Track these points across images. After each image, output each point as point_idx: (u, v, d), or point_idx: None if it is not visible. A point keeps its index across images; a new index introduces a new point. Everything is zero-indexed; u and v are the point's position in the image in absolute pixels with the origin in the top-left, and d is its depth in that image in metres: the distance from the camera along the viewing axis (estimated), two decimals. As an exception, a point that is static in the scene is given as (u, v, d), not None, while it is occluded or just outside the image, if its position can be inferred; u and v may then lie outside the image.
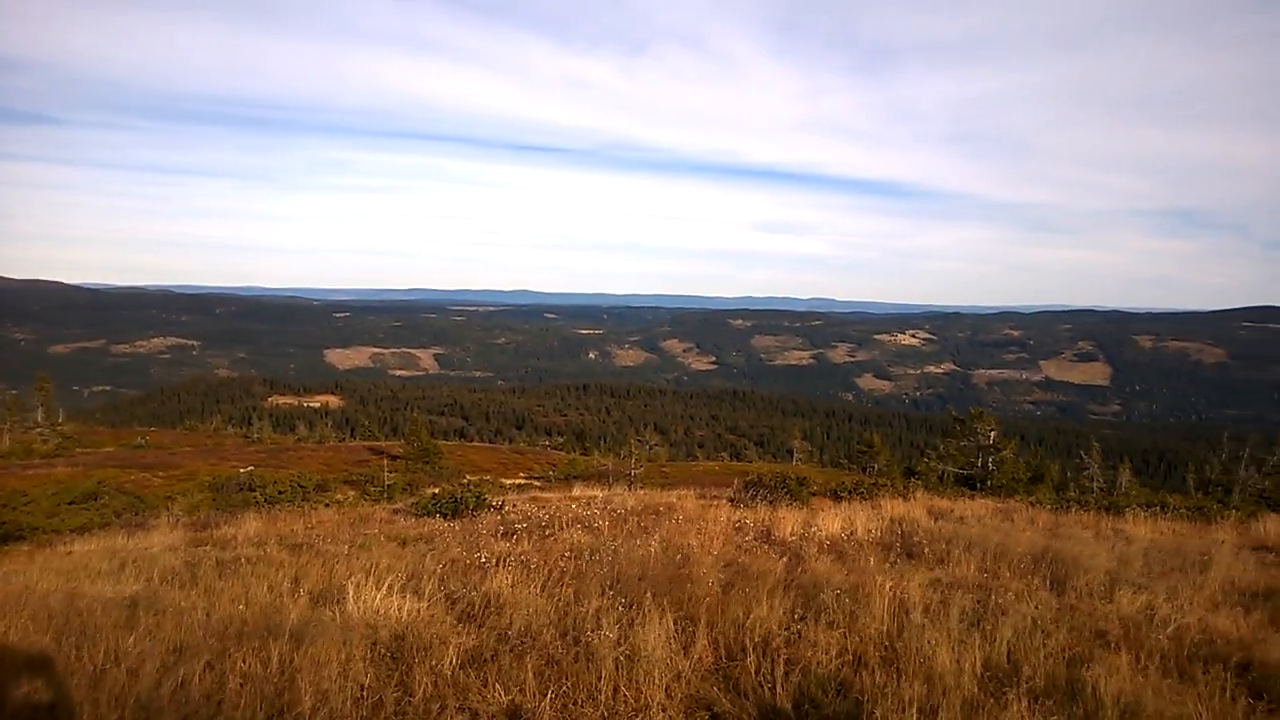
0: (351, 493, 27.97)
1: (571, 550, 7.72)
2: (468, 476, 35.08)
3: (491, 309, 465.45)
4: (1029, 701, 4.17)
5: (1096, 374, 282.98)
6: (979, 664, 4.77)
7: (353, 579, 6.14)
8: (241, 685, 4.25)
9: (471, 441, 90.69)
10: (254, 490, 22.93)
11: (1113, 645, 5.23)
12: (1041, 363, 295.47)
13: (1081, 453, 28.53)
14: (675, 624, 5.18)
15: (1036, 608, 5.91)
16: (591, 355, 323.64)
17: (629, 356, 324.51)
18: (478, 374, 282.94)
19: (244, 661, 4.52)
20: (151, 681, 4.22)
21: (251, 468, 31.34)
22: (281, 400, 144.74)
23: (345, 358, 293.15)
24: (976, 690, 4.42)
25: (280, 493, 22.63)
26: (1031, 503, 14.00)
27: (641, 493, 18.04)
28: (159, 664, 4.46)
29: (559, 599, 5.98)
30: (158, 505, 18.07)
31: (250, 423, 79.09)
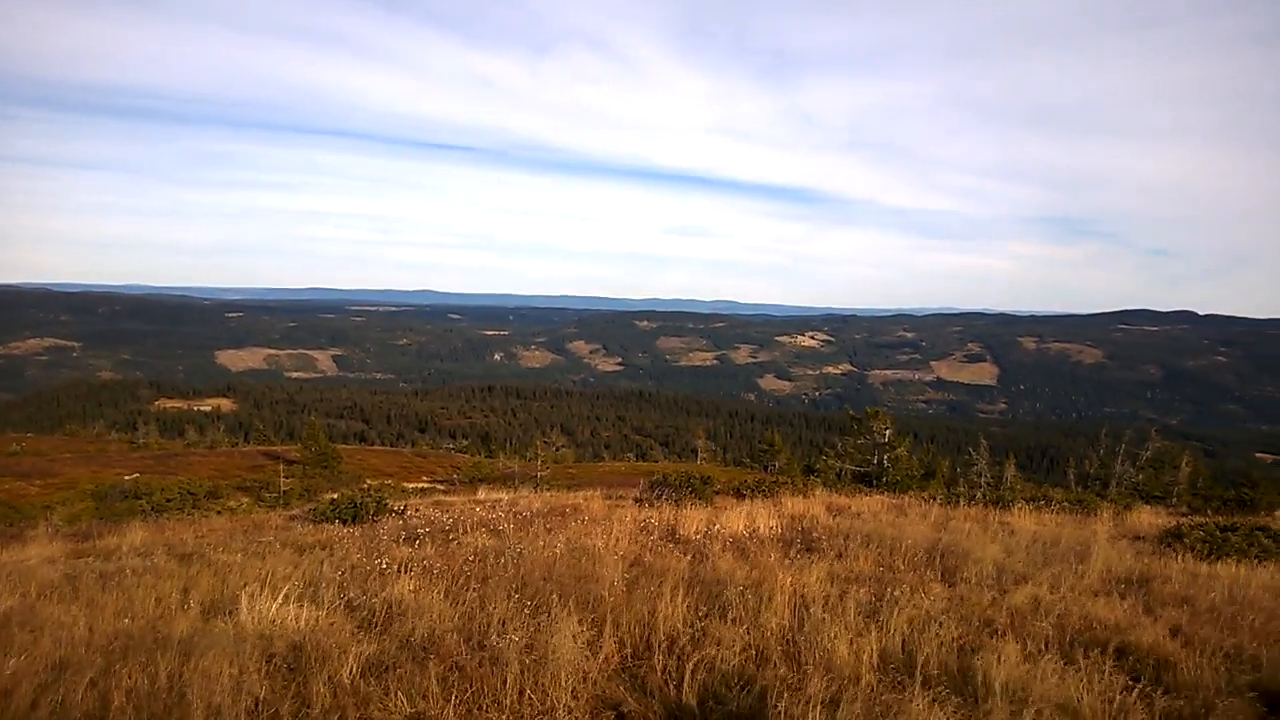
0: (245, 499, 27.01)
1: (476, 554, 7.62)
2: (368, 481, 34.31)
3: (393, 309, 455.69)
4: (924, 690, 4.32)
5: (985, 374, 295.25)
6: (876, 655, 4.93)
7: (247, 588, 5.93)
8: (127, 702, 4.06)
9: (372, 445, 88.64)
10: (140, 498, 21.92)
11: (1001, 634, 5.46)
12: (934, 363, 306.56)
13: (970, 449, 29.66)
14: (582, 625, 5.16)
15: (929, 599, 6.13)
16: (497, 356, 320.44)
17: (535, 358, 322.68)
18: (379, 376, 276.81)
19: (130, 678, 4.31)
20: (27, 702, 4.00)
21: (137, 475, 29.98)
22: (170, 404, 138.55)
23: (238, 359, 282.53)
24: (875, 680, 4.57)
25: (168, 500, 21.69)
26: (924, 498, 14.50)
27: (548, 494, 17.97)
28: (36, 683, 4.22)
29: (463, 603, 5.91)
30: (35, 515, 17.11)
31: (136, 428, 75.66)
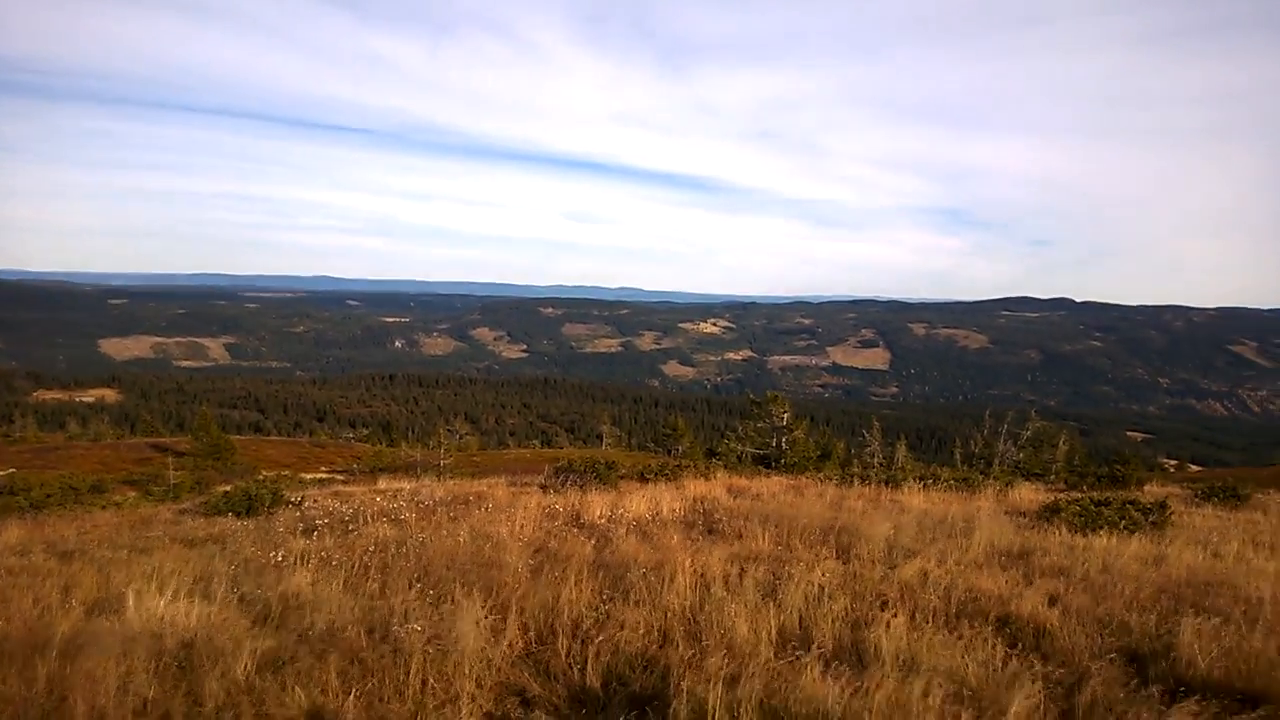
0: (132, 493, 25.83)
1: (377, 544, 7.50)
2: (264, 472, 33.21)
3: (289, 296, 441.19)
4: (820, 663, 4.48)
5: (878, 359, 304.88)
6: (774, 631, 5.08)
7: (133, 585, 5.71)
8: (3, 709, 3.87)
9: (268, 436, 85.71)
10: (16, 494, 20.73)
11: (892, 607, 5.69)
12: (829, 349, 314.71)
13: (864, 431, 30.63)
14: (486, 612, 5.15)
15: (825, 575, 6.34)
16: (398, 344, 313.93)
17: (438, 345, 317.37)
18: (274, 364, 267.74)
19: (5, 683, 4.11)
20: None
21: (13, 470, 28.34)
22: (49, 395, 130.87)
23: (123, 348, 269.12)
24: (773, 656, 4.71)
25: (48, 496, 20.58)
26: (821, 479, 14.94)
27: (451, 483, 17.74)
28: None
29: (364, 594, 5.83)
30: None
31: (12, 420, 71.40)
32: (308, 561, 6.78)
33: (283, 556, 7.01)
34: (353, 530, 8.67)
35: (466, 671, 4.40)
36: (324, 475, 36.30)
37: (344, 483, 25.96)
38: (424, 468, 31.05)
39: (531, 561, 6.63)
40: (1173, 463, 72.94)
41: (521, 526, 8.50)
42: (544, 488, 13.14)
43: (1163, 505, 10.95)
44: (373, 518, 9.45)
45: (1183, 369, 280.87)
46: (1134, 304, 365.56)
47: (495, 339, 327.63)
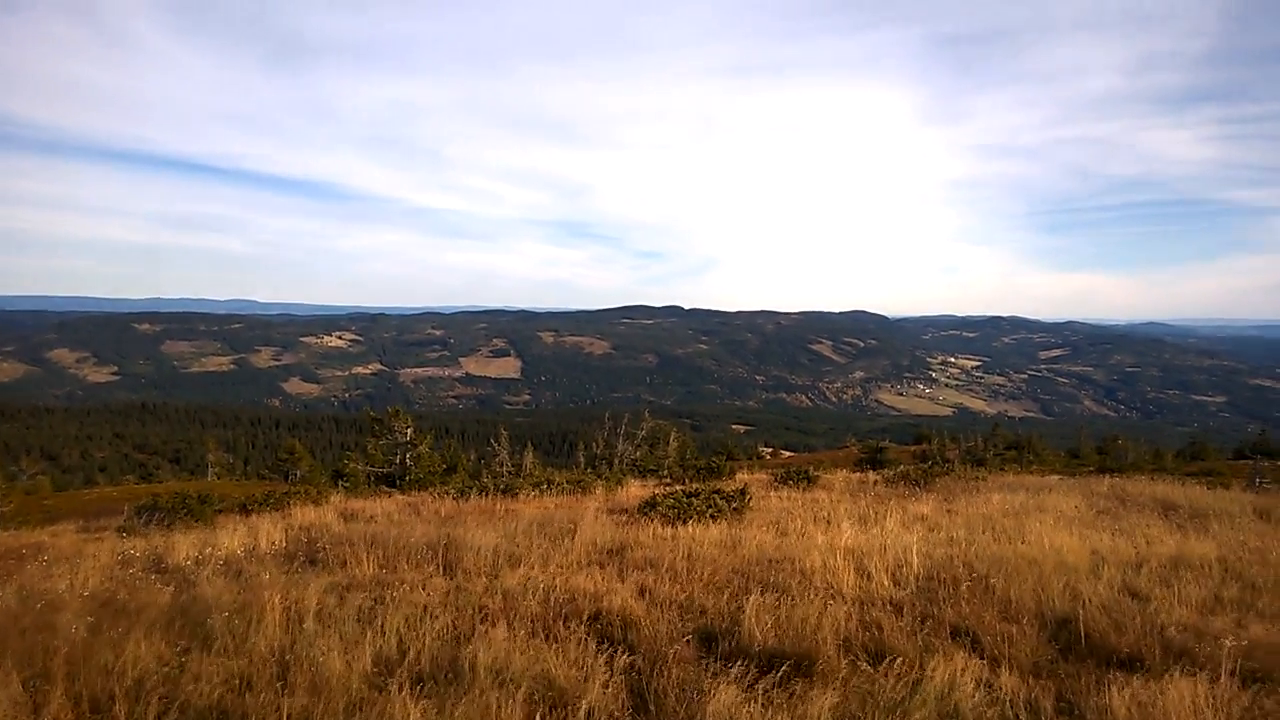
0: None
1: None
2: None
3: None
4: (411, 687, 4.41)
5: (509, 368, 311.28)
6: (369, 660, 4.92)
7: None
8: None
9: None
10: None
11: (492, 618, 5.78)
12: (462, 359, 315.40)
13: (493, 441, 31.08)
14: (25, 685, 4.42)
15: (429, 594, 6.29)
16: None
17: (3, 371, 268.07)
18: None
19: None
20: None
21: None
22: None
23: None
24: (365, 687, 4.54)
25: None
26: (442, 493, 14.86)
27: (7, 534, 15.10)
28: None
29: None
30: None
31: None
32: None
33: None
34: None
35: (-8, 761, 3.73)
36: None
37: None
38: (-25, 519, 26.01)
39: (92, 619, 5.80)
40: (769, 450, 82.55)
41: (87, 579, 7.42)
42: (123, 531, 11.63)
43: (743, 492, 12.33)
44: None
45: (774, 366, 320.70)
46: (734, 310, 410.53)
47: (78, 361, 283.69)
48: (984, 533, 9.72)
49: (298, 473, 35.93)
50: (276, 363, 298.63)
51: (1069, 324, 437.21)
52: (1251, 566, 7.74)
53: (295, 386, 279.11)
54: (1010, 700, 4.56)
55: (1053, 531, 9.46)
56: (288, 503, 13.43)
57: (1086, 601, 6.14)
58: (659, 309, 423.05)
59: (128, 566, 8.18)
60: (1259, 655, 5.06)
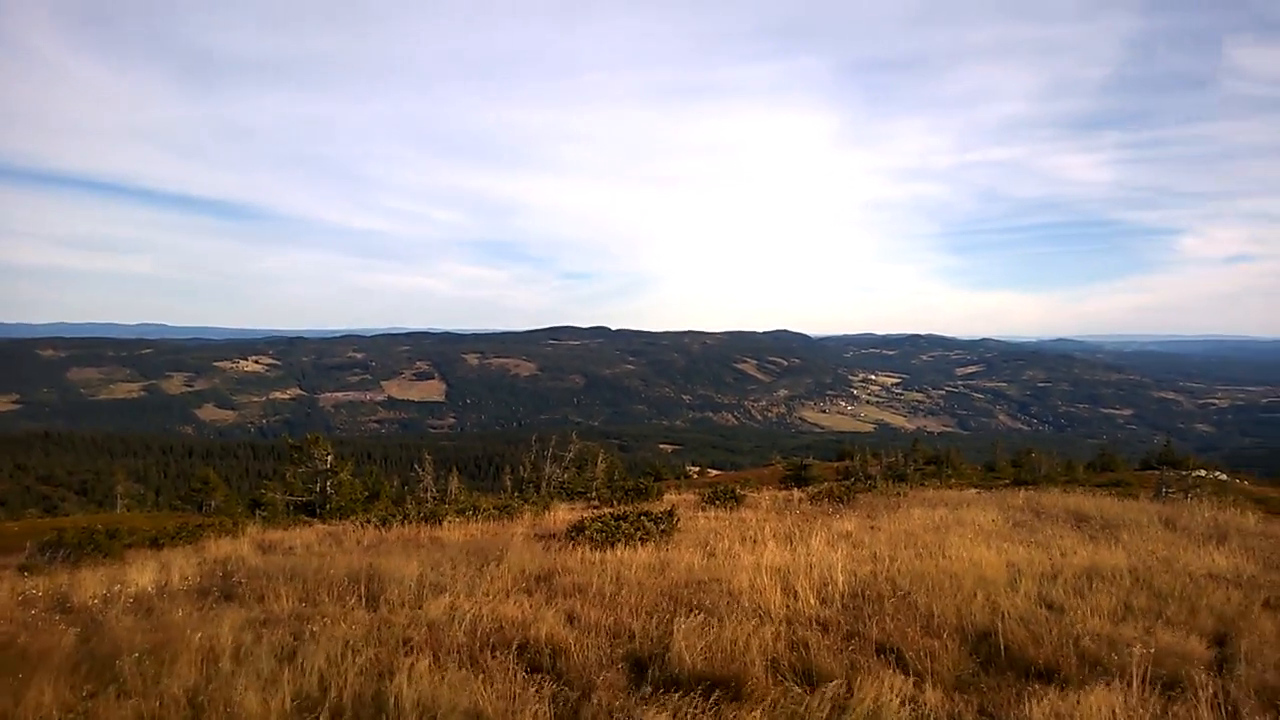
0: None
1: None
2: None
3: None
4: (332, 725, 4.27)
5: (433, 391, 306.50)
6: (289, 699, 4.75)
7: None
8: None
9: None
10: None
11: (417, 650, 5.64)
12: (384, 383, 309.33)
13: (417, 466, 30.51)
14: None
15: (351, 627, 6.10)
16: None
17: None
18: None
19: None
20: None
21: None
22: None
23: None
24: (282, 728, 4.39)
25: None
26: (363, 522, 14.50)
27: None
28: None
29: None
30: None
31: None
32: None
33: None
34: None
35: None
36: None
37: None
38: None
39: (-13, 666, 5.48)
40: (696, 469, 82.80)
41: (-20, 624, 7.01)
42: (25, 569, 11.02)
43: (671, 514, 12.32)
44: None
45: (701, 386, 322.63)
46: (661, 330, 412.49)
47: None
48: (906, 549, 9.91)
49: (212, 503, 34.65)
50: (189, 389, 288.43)
51: (984, 341, 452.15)
52: (1159, 575, 8.05)
53: (209, 413, 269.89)
54: (934, 716, 4.64)
55: (972, 546, 9.71)
56: (202, 535, 12.93)
57: (1005, 614, 6.31)
58: (586, 329, 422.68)
59: (29, 607, 7.76)
60: (1168, 662, 5.27)
